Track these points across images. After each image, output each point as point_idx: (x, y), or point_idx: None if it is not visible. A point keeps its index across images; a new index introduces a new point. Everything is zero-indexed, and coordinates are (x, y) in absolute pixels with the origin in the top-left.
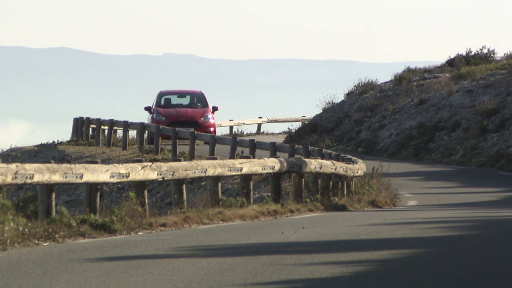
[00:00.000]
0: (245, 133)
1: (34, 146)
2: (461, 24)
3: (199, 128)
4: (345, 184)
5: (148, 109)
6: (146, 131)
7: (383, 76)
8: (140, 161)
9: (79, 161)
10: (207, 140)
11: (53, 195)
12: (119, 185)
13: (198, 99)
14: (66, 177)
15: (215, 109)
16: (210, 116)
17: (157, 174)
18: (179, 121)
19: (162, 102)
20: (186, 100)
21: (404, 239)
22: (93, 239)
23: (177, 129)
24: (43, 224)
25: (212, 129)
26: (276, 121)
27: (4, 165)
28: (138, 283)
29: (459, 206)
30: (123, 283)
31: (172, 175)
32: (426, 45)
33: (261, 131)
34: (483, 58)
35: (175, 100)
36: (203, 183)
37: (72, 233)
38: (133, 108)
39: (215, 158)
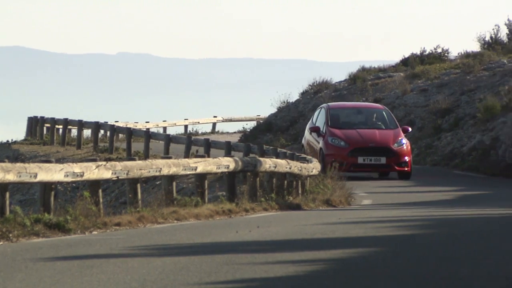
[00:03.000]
0: (200, 132)
1: None
2: (415, 24)
3: (392, 157)
4: (299, 183)
5: (315, 129)
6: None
7: (338, 75)
8: (94, 160)
9: (33, 160)
10: (162, 138)
11: (7, 195)
12: (74, 184)
13: (380, 117)
14: (20, 176)
15: (405, 130)
16: (404, 141)
17: (112, 173)
18: (366, 147)
19: (336, 120)
20: (361, 118)
21: (359, 238)
22: (47, 239)
23: (364, 158)
24: None
25: (407, 158)
26: (231, 120)
27: None
28: (92, 283)
29: (414, 205)
30: (77, 283)
31: (127, 174)
32: (381, 45)
33: (216, 130)
34: (437, 57)
35: (347, 116)
36: (158, 182)
37: (26, 232)
38: (87, 107)
39: (170, 157)
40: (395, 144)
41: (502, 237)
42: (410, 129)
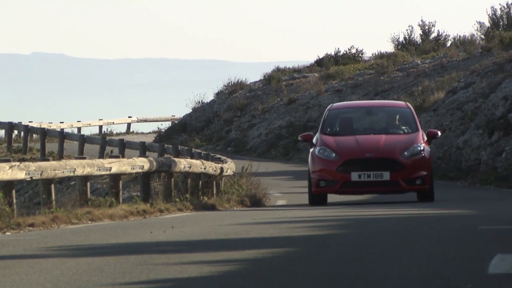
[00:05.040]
0: (114, 132)
1: None
2: (330, 24)
3: (400, 170)
4: (214, 184)
5: (306, 138)
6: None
7: (253, 76)
8: (8, 160)
9: None
10: (76, 139)
11: None
12: None
13: (401, 118)
14: None
15: (432, 135)
16: (421, 146)
17: (25, 173)
18: (362, 158)
19: (334, 125)
20: (377, 120)
21: (273, 238)
22: None
23: (359, 174)
24: None
25: (424, 172)
26: (145, 120)
27: None
28: (5, 284)
29: (328, 206)
30: None
31: (41, 174)
32: (296, 45)
33: (131, 130)
34: (352, 58)
35: (359, 119)
36: (72, 182)
37: None
38: (1, 107)
39: (84, 158)
40: (406, 153)
41: (415, 237)
42: (439, 133)
